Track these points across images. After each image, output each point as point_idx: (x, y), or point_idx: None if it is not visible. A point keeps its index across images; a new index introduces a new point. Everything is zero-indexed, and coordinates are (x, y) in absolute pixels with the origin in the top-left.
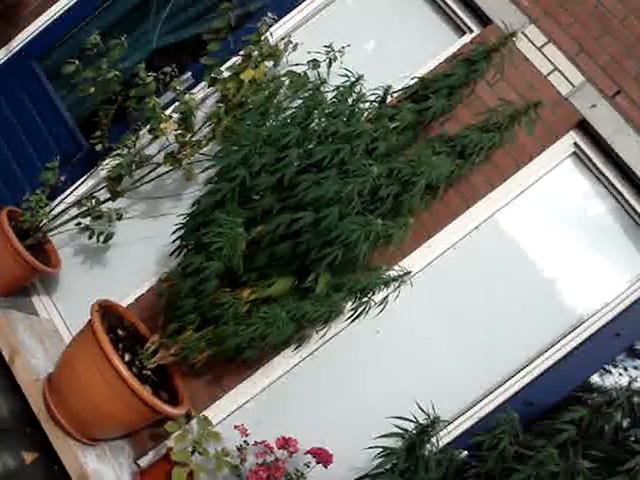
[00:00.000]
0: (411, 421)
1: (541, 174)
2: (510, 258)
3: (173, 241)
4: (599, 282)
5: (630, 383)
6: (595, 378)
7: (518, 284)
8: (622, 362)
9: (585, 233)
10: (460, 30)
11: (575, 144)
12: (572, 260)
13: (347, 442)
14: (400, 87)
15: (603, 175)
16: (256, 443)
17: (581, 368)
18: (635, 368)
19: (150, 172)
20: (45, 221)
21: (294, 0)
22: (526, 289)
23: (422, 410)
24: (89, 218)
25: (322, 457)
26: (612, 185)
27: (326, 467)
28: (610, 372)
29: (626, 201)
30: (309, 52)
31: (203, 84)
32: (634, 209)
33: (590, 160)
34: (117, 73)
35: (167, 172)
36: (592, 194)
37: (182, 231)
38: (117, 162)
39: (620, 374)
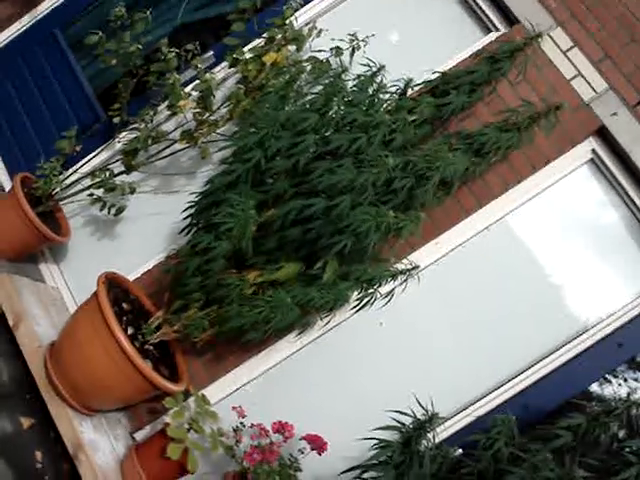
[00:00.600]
0: (409, 415)
1: (556, 178)
2: (518, 261)
3: (184, 219)
4: (605, 291)
5: (629, 394)
6: (594, 387)
7: (524, 287)
8: (622, 373)
9: (595, 241)
10: (486, 27)
11: (593, 151)
12: (580, 267)
13: (342, 431)
14: (421, 80)
15: (619, 184)
16: (252, 425)
17: (581, 376)
18: (635, 380)
19: (165, 148)
20: (58, 190)
21: None
22: (532, 293)
23: (420, 405)
24: (102, 190)
25: (317, 444)
26: (627, 194)
27: (320, 454)
28: (610, 382)
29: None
30: (333, 39)
31: (224, 64)
32: None
33: (607, 168)
34: (139, 47)
35: (182, 149)
36: (606, 202)
37: (193, 209)
38: (133, 136)
39: (620, 384)
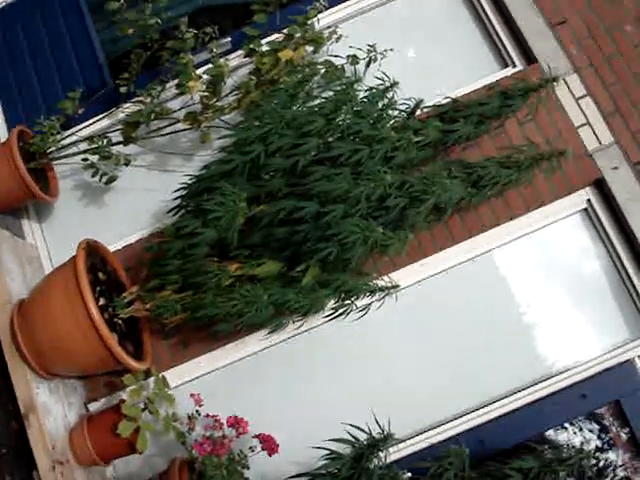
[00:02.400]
0: (364, 432)
1: (548, 222)
2: (497, 296)
3: (174, 199)
4: (577, 340)
5: (582, 444)
6: (550, 431)
7: (498, 323)
8: (579, 422)
9: (575, 289)
10: (503, 61)
11: (588, 201)
12: (556, 312)
13: (296, 436)
14: (431, 103)
15: (607, 237)
16: (208, 416)
17: (541, 420)
18: (590, 431)
19: (167, 126)
20: (53, 149)
21: None
22: (504, 330)
23: (377, 423)
24: (97, 156)
25: (268, 444)
26: (614, 249)
27: (270, 455)
28: (566, 429)
29: (624, 269)
30: (351, 47)
31: (240, 53)
32: (630, 279)
33: (599, 220)
34: (158, 21)
35: (184, 130)
36: (592, 253)
37: (185, 192)
38: (137, 108)
39: (574, 433)
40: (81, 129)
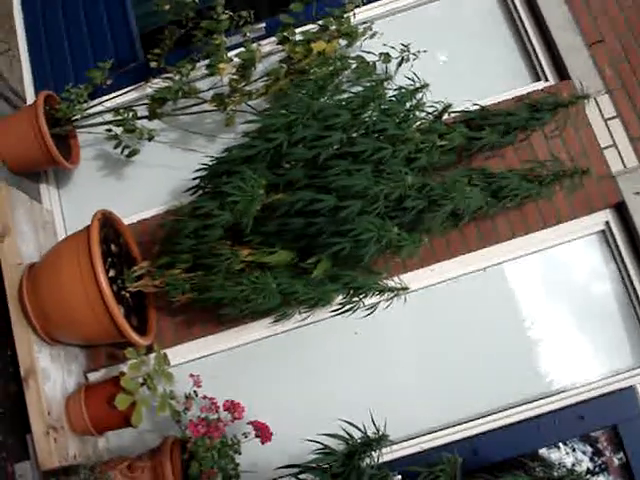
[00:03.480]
0: (359, 430)
1: (563, 240)
2: (504, 308)
3: (193, 179)
4: (579, 362)
5: (574, 465)
6: (543, 449)
7: (501, 336)
8: (572, 442)
9: (583, 310)
10: (536, 75)
11: (606, 223)
12: (561, 331)
13: (290, 428)
14: (460, 109)
15: (622, 263)
16: (205, 397)
17: (536, 437)
18: (583, 453)
19: (194, 105)
20: (78, 116)
21: None
22: (508, 344)
23: (373, 423)
24: (121, 128)
25: (263, 432)
26: (628, 275)
27: (263, 443)
28: (559, 448)
29: (636, 295)
30: (384, 44)
31: (273, 39)
32: None
33: (615, 243)
34: (196, 0)
35: (209, 111)
36: (604, 276)
37: (205, 172)
38: (166, 85)
39: (567, 453)
40: (108, 100)
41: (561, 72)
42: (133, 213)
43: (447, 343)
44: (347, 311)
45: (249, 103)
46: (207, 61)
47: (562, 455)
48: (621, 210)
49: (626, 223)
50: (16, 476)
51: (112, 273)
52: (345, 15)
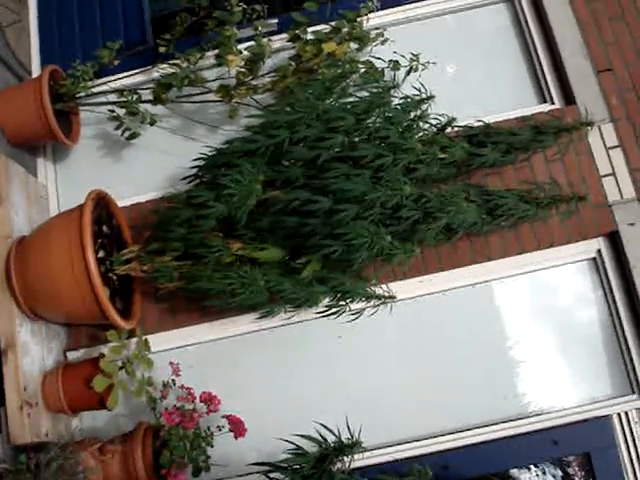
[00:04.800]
0: (334, 434)
1: (554, 264)
2: (488, 326)
3: (191, 167)
4: (558, 386)
5: None
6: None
7: (484, 354)
8: (543, 464)
9: (567, 335)
10: (542, 96)
11: (598, 251)
12: (543, 354)
13: (266, 425)
14: (463, 123)
15: (611, 292)
16: (182, 387)
17: (508, 457)
18: (553, 476)
19: (199, 94)
20: (82, 94)
21: None
22: (489, 361)
23: (348, 428)
24: (124, 110)
25: (237, 427)
26: (615, 304)
27: (236, 438)
28: (529, 469)
29: (621, 326)
30: (395, 52)
31: (284, 36)
32: (625, 337)
33: (605, 272)
34: None
35: (214, 102)
36: (591, 303)
37: (204, 162)
38: (173, 71)
39: (537, 475)
40: (113, 80)
41: (568, 96)
42: (128, 196)
43: (429, 356)
44: (333, 314)
45: (254, 97)
46: (216, 51)
47: (532, 476)
48: (614, 240)
49: (618, 253)
50: None
51: (101, 254)
52: (358, 19)
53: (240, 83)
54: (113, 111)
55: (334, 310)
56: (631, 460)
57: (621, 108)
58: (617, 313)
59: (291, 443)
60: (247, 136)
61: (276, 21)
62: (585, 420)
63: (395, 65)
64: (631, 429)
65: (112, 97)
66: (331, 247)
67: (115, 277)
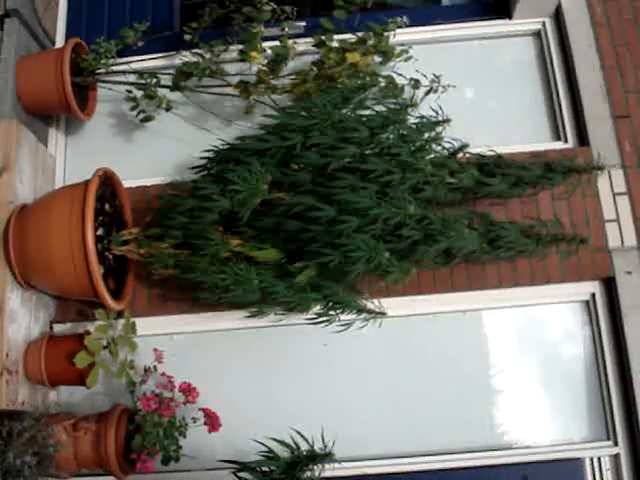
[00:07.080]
0: (307, 442)
1: (547, 301)
2: (474, 354)
3: (201, 158)
4: (535, 422)
5: None
6: None
7: (465, 381)
8: None
9: (551, 374)
10: (557, 134)
11: (592, 295)
12: (524, 390)
13: (240, 423)
14: (476, 150)
15: (599, 337)
16: (163, 374)
17: None
18: None
19: (217, 86)
20: (102, 71)
21: (433, 18)
22: (469, 389)
23: (322, 438)
24: (142, 92)
25: (212, 421)
26: (602, 350)
27: (210, 432)
28: None
29: (605, 371)
30: (417, 71)
31: (310, 40)
32: (607, 383)
33: (597, 317)
34: None
35: (232, 95)
36: (578, 345)
37: (213, 155)
38: (195, 60)
39: None
40: (135, 62)
41: (582, 137)
42: (134, 178)
43: (411, 375)
44: (322, 322)
45: (272, 97)
46: (241, 47)
47: None
48: (609, 285)
49: (611, 299)
50: None
51: (100, 232)
52: (385, 33)
53: (260, 81)
54: (131, 92)
55: (324, 318)
56: None
57: (634, 156)
58: (603, 358)
59: (264, 445)
60: (260, 135)
61: (304, 24)
62: (557, 460)
63: (415, 84)
64: (602, 476)
65: (131, 78)
66: (329, 256)
67: (111, 257)
